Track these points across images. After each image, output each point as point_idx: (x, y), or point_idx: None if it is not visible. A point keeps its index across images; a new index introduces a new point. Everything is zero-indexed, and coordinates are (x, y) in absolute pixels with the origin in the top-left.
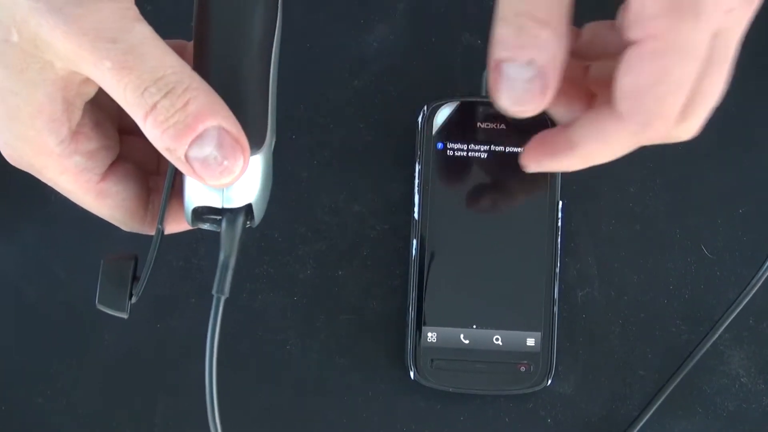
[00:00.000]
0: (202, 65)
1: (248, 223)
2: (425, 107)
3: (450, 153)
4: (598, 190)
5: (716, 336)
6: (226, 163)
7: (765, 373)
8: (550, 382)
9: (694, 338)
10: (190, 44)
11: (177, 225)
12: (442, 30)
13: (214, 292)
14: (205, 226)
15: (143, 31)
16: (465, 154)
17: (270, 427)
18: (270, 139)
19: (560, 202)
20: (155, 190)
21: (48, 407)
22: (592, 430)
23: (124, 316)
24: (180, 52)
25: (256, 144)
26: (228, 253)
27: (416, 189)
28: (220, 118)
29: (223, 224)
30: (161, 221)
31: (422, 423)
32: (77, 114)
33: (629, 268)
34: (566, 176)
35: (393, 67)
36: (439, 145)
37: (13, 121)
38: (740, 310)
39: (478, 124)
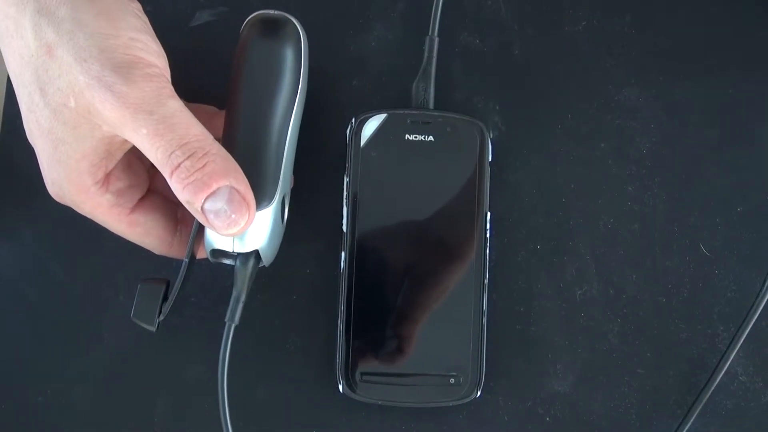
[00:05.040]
0: (229, 132)
1: (260, 263)
2: (353, 119)
3: (378, 165)
4: (596, 188)
5: (737, 348)
6: (234, 216)
7: (763, 371)
8: (479, 393)
9: (692, 337)
10: (221, 112)
11: (201, 254)
12: (440, 30)
13: (226, 320)
14: (224, 261)
15: (175, 105)
16: (393, 166)
17: None
18: (280, 196)
19: (488, 213)
20: (183, 220)
21: (48, 406)
22: (591, 428)
23: (153, 329)
24: (209, 117)
25: (265, 200)
26: (240, 288)
27: (344, 201)
28: (231, 179)
29: (237, 264)
30: (188, 255)
31: None
32: (114, 162)
33: (628, 266)
34: (563, 174)
35: (392, 67)
36: (368, 157)
37: (61, 165)
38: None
39: (407, 136)
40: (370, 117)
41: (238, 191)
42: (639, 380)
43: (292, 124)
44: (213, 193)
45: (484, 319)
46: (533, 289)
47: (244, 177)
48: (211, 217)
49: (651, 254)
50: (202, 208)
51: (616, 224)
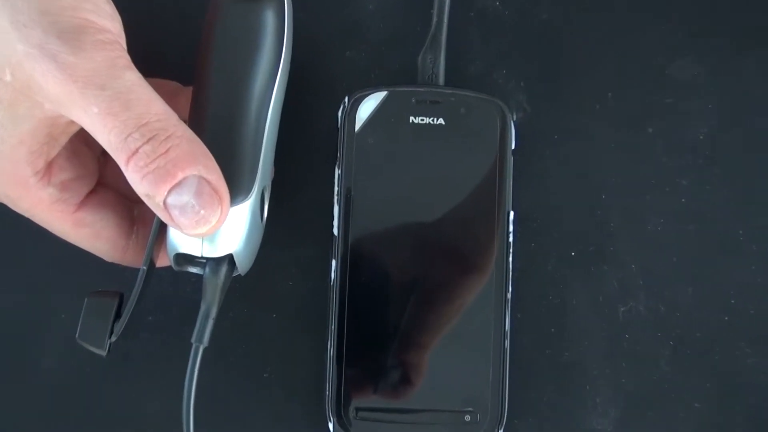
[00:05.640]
0: (197, 112)
1: (234, 272)
2: (346, 99)
3: (377, 154)
4: (642, 182)
5: None
6: (203, 212)
7: None
8: None
9: (760, 363)
10: (187, 89)
11: (162, 261)
12: None
13: (192, 340)
14: (190, 270)
15: (132, 78)
16: (395, 155)
17: None
18: (258, 190)
19: (511, 213)
20: (140, 219)
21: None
22: None
23: (103, 353)
24: (173, 94)
25: (241, 194)
26: (210, 302)
27: (336, 198)
28: (201, 167)
29: (206, 272)
30: (147, 262)
31: None
32: (57, 149)
33: (682, 277)
34: (602, 164)
35: (394, 34)
36: (364, 145)
37: None
38: None
39: (411, 118)
40: (367, 96)
41: (208, 182)
42: (696, 417)
43: (273, 104)
44: (178, 184)
45: (507, 343)
46: (567, 305)
47: (216, 165)
48: (175, 213)
49: (710, 262)
50: (164, 202)
51: (667, 226)
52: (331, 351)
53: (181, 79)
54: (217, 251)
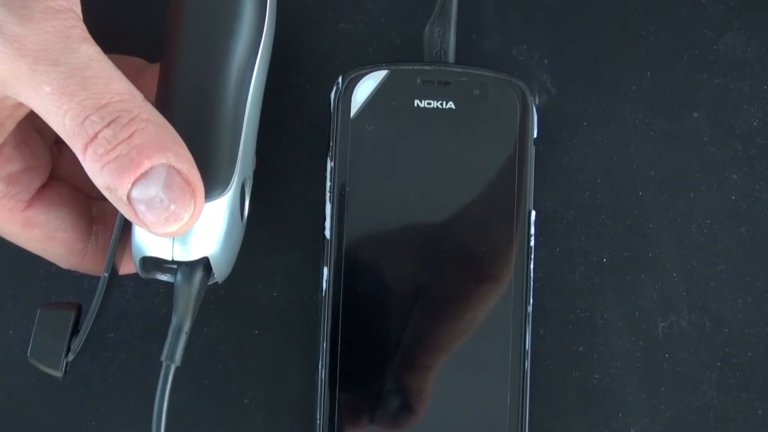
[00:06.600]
0: (165, 93)
1: (210, 279)
2: (340, 79)
3: (376, 143)
4: (685, 176)
5: None
6: (173, 207)
7: None
8: None
9: None
10: (153, 66)
11: (128, 267)
12: None
13: (162, 359)
14: (159, 277)
15: (89, 52)
16: (397, 145)
17: None
18: (238, 182)
19: (532, 213)
20: (100, 218)
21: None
22: None
23: (58, 375)
24: (137, 73)
25: (218, 187)
26: (182, 315)
27: (328, 195)
28: (170, 155)
29: (178, 279)
30: (108, 268)
31: None
32: (2, 136)
33: (731, 288)
34: (639, 155)
35: (395, 2)
36: (361, 133)
37: None
38: None
39: (416, 102)
40: (365, 75)
41: (179, 172)
42: None
43: (254, 83)
44: (144, 175)
45: (527, 364)
46: (597, 319)
47: (188, 152)
48: (141, 209)
49: (764, 271)
50: (128, 196)
51: (714, 227)
52: (323, 373)
53: (147, 55)
54: (190, 254)
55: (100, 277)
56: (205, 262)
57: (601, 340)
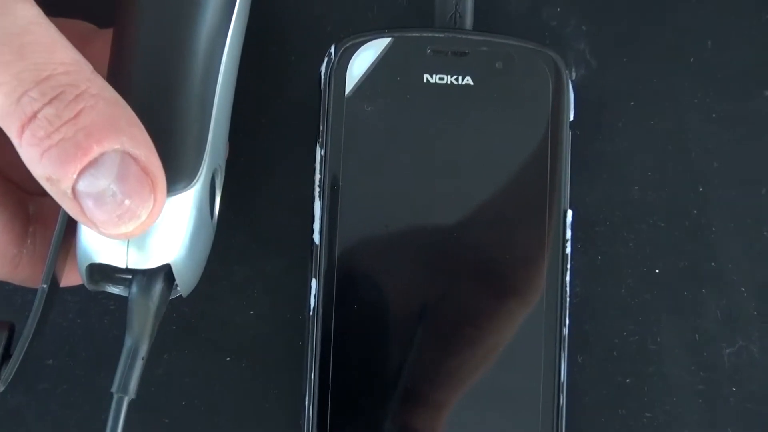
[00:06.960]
0: (119, 64)
1: (172, 291)
2: (332, 48)
3: (376, 127)
4: (755, 168)
5: None
6: (128, 203)
7: None
8: None
9: None
10: (104, 32)
11: (71, 277)
12: None
13: (113, 390)
14: (110, 290)
15: (27, 14)
16: (402, 128)
17: None
18: (207, 173)
19: (568, 212)
20: (39, 217)
21: None
22: None
23: None
24: (84, 40)
25: (183, 179)
26: (137, 335)
27: (317, 191)
28: (125, 139)
29: (132, 292)
30: (48, 278)
31: None
32: None
33: None
34: (699, 144)
35: None
36: (358, 114)
37: None
38: None
39: (426, 76)
40: (363, 44)
41: (135, 159)
42: None
43: (228, 53)
44: (93, 163)
45: (563, 398)
46: (647, 344)
47: (147, 135)
48: (89, 205)
49: None
50: (73, 189)
51: None
52: (310, 410)
53: (97, 19)
54: (148, 261)
55: (37, 289)
56: (166, 271)
57: (654, 369)
